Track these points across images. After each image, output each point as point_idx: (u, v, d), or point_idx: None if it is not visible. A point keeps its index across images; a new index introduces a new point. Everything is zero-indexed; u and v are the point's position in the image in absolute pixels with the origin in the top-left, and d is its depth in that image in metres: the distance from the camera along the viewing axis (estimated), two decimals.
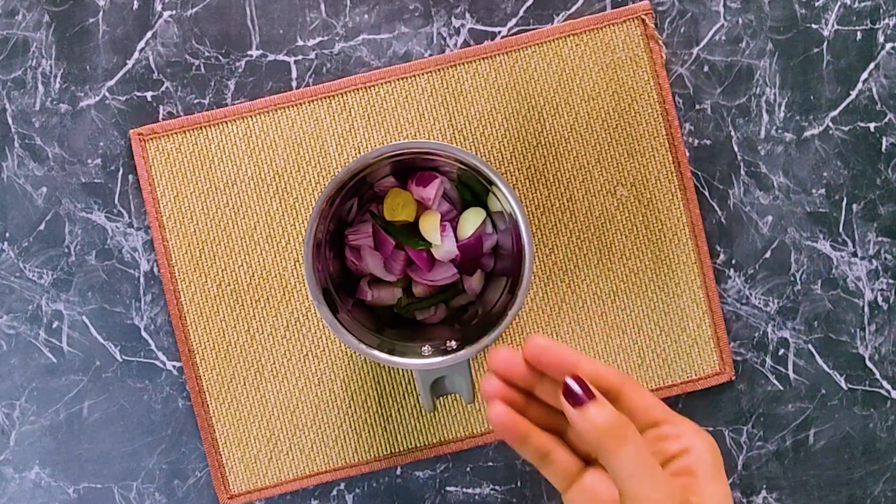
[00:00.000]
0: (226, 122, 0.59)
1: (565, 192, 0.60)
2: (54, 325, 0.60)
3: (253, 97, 0.60)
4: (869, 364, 0.61)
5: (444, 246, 0.55)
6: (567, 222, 0.60)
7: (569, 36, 0.59)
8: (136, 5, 0.60)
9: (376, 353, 0.51)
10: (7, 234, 0.60)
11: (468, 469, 0.60)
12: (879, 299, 0.60)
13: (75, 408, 0.60)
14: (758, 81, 0.60)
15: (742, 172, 0.60)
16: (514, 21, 0.60)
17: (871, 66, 0.60)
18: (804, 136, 0.60)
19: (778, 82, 0.60)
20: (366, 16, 0.60)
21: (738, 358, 0.60)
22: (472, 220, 0.56)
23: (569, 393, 0.36)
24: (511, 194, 0.49)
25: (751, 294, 0.60)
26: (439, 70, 0.59)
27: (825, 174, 0.60)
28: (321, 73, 0.60)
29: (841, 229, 0.60)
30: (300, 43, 0.60)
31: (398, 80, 0.59)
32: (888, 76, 0.60)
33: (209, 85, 0.60)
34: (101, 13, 0.60)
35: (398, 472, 0.61)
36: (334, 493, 0.61)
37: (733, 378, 0.60)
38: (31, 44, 0.60)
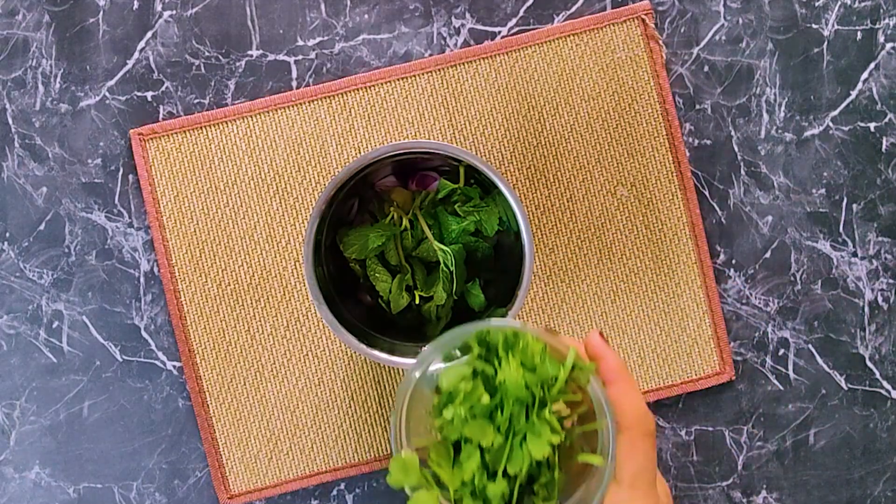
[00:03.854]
0: (226, 122, 0.59)
1: (565, 192, 0.60)
2: (54, 325, 0.60)
3: (253, 97, 0.60)
4: (869, 364, 0.61)
5: None
6: (567, 222, 0.60)
7: (569, 36, 0.59)
8: (136, 5, 0.60)
9: (376, 353, 0.51)
10: (7, 234, 0.60)
11: None
12: (879, 299, 0.60)
13: (75, 408, 0.60)
14: (758, 81, 0.60)
15: (742, 172, 0.60)
16: (514, 21, 0.60)
17: (871, 66, 0.60)
18: (804, 136, 0.60)
19: (778, 82, 0.60)
20: (366, 16, 0.60)
21: (739, 358, 0.60)
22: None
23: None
24: (511, 194, 0.49)
25: (751, 294, 0.60)
26: (439, 70, 0.59)
27: (825, 174, 0.60)
28: (321, 73, 0.60)
29: (841, 229, 0.60)
30: (300, 43, 0.60)
31: (398, 80, 0.59)
32: (888, 76, 0.60)
33: (209, 85, 0.60)
34: (101, 13, 0.60)
35: None
36: (334, 493, 0.61)
37: (733, 378, 0.60)
38: (31, 44, 0.60)
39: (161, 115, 0.60)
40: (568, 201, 0.60)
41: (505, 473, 0.39)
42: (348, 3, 0.60)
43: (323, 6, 0.60)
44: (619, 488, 0.39)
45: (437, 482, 0.40)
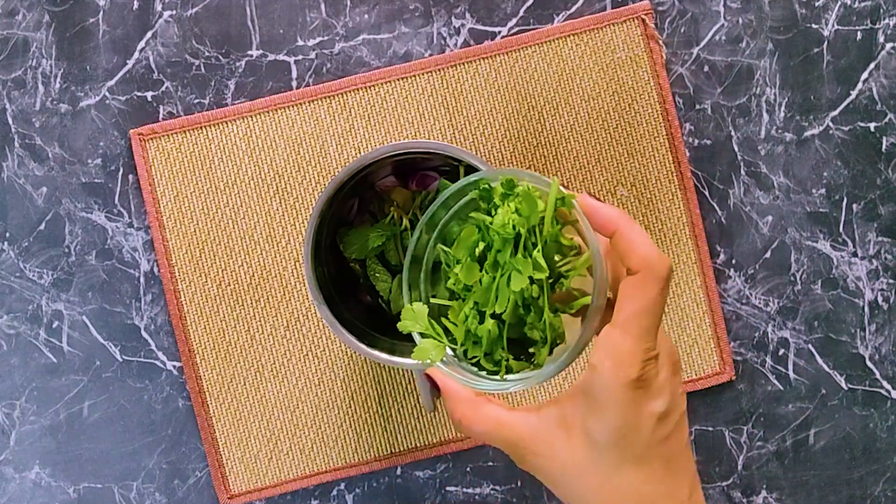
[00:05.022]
0: (226, 122, 0.59)
1: None
2: (54, 325, 0.60)
3: (253, 97, 0.60)
4: (869, 364, 0.61)
5: None
6: None
7: (569, 36, 0.59)
8: (136, 5, 0.60)
9: (376, 353, 0.51)
10: (7, 234, 0.60)
11: (468, 469, 0.60)
12: (879, 299, 0.60)
13: (75, 408, 0.60)
14: (758, 81, 0.60)
15: (742, 172, 0.60)
16: (514, 21, 0.60)
17: (871, 66, 0.60)
18: (804, 136, 0.60)
19: (778, 82, 0.60)
20: (366, 16, 0.60)
21: (739, 358, 0.60)
22: None
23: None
24: None
25: (751, 294, 0.60)
26: (439, 70, 0.59)
27: (825, 174, 0.60)
28: (321, 73, 0.60)
29: (841, 229, 0.60)
30: (300, 43, 0.60)
31: (398, 80, 0.59)
32: (888, 76, 0.60)
33: (209, 85, 0.60)
34: (101, 13, 0.60)
35: (398, 472, 0.61)
36: (334, 493, 0.61)
37: (733, 378, 0.60)
38: (31, 44, 0.60)
39: (161, 115, 0.60)
40: None
41: (495, 315, 0.40)
42: (348, 3, 0.60)
43: (323, 6, 0.60)
44: (612, 329, 0.38)
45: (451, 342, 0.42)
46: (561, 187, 0.39)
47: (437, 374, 0.42)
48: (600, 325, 0.39)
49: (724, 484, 0.61)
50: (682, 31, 0.60)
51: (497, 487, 0.60)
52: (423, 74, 0.59)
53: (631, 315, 0.38)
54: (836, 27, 0.60)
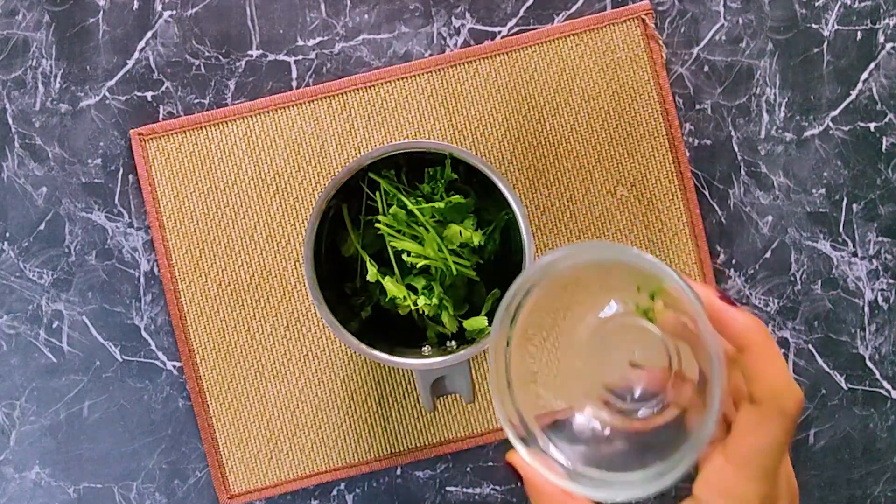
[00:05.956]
0: (226, 122, 0.59)
1: (565, 192, 0.60)
2: (54, 325, 0.60)
3: (253, 97, 0.60)
4: (869, 364, 0.61)
5: None
6: (567, 222, 0.60)
7: (569, 36, 0.59)
8: (136, 5, 0.60)
9: (376, 353, 0.51)
10: (7, 234, 0.60)
11: (468, 469, 0.60)
12: (879, 299, 0.60)
13: (75, 408, 0.60)
14: (758, 81, 0.60)
15: (742, 172, 0.60)
16: (514, 21, 0.60)
17: (871, 66, 0.60)
18: (804, 136, 0.60)
19: (778, 82, 0.60)
20: (366, 16, 0.60)
21: None
22: None
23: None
24: (511, 194, 0.49)
25: (751, 294, 0.60)
26: (439, 70, 0.59)
27: (825, 174, 0.60)
28: (321, 73, 0.60)
29: (841, 229, 0.60)
30: (300, 43, 0.60)
31: (398, 80, 0.59)
32: (888, 76, 0.60)
33: (209, 85, 0.60)
34: (102, 13, 0.60)
35: (398, 472, 0.61)
36: (334, 493, 0.61)
37: None
38: (31, 44, 0.60)
39: (161, 115, 0.60)
40: (568, 201, 0.60)
41: None
42: (348, 3, 0.60)
43: (323, 6, 0.60)
44: (726, 464, 0.34)
45: None
46: (675, 283, 0.34)
47: (519, 462, 0.37)
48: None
49: None
50: (682, 31, 0.60)
51: (497, 487, 0.60)
52: (423, 74, 0.59)
53: (749, 452, 0.33)
54: (836, 27, 0.60)
